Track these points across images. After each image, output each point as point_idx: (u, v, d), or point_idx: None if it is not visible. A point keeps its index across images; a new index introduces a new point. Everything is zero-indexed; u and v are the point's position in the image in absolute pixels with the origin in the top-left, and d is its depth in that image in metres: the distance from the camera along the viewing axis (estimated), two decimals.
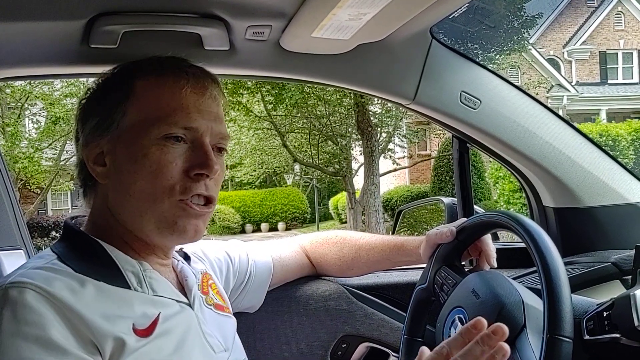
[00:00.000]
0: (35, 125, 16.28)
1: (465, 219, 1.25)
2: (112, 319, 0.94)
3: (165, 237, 1.05)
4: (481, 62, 1.57)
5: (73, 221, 1.10)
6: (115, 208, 1.05)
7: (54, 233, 15.16)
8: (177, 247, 1.22)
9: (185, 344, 1.02)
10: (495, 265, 1.23)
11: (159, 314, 1.00)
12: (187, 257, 1.21)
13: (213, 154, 1.05)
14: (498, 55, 16.07)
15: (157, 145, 1.02)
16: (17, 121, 15.35)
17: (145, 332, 0.97)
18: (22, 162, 15.22)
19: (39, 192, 17.30)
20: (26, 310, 0.88)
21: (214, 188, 1.07)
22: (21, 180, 16.19)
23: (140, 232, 1.05)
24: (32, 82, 13.98)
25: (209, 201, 1.07)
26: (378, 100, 10.83)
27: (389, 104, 12.39)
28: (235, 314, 1.31)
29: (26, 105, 15.61)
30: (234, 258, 1.38)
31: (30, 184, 16.91)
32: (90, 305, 0.93)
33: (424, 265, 1.27)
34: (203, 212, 1.05)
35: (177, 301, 1.06)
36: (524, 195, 1.75)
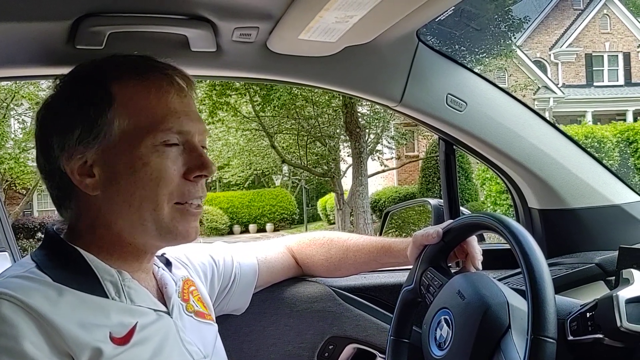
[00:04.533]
0: (21, 126, 16.13)
1: (452, 220, 1.25)
2: (89, 327, 0.94)
3: (168, 242, 1.08)
4: (468, 65, 1.58)
5: (55, 228, 1.08)
6: (111, 218, 1.02)
7: (39, 234, 15.02)
8: (159, 252, 1.20)
9: (162, 351, 1.01)
10: (480, 267, 1.24)
11: (136, 323, 1.00)
12: (168, 263, 1.21)
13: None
14: (485, 58, 16.16)
15: (156, 153, 1.01)
16: (2, 121, 15.21)
17: (122, 341, 0.96)
18: (8, 163, 15.11)
19: (24, 193, 17.16)
20: None
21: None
22: (7, 181, 16.06)
23: (138, 240, 1.04)
24: (17, 82, 13.85)
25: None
26: (366, 101, 10.84)
27: (377, 106, 12.42)
28: (221, 317, 1.30)
29: (12, 106, 15.46)
30: (218, 261, 1.37)
31: (16, 185, 16.77)
32: (67, 315, 0.92)
33: (411, 267, 1.27)
34: (199, 212, 1.08)
35: (155, 310, 1.05)
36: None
